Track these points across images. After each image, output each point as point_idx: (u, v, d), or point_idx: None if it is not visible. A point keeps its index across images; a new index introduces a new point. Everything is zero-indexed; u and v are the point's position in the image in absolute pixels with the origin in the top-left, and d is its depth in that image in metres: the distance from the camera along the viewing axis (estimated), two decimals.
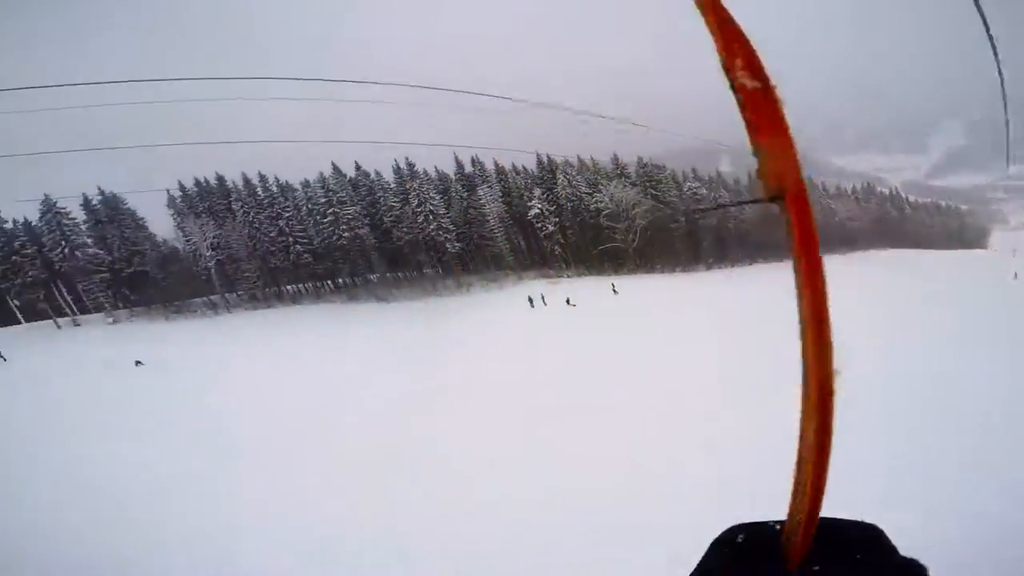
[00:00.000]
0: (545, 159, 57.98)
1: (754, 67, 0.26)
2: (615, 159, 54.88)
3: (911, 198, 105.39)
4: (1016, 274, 38.17)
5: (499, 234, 50.26)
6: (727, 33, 0.27)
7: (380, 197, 50.02)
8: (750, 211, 63.24)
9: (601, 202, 48.57)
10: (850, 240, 79.08)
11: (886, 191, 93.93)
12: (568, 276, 49.43)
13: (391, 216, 49.20)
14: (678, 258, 55.44)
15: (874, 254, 75.39)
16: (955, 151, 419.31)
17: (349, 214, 47.65)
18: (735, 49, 0.26)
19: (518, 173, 56.39)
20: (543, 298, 37.52)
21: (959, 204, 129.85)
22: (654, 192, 51.65)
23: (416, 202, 48.31)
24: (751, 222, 64.24)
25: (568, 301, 37.36)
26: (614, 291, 39.17)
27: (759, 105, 0.27)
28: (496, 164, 56.77)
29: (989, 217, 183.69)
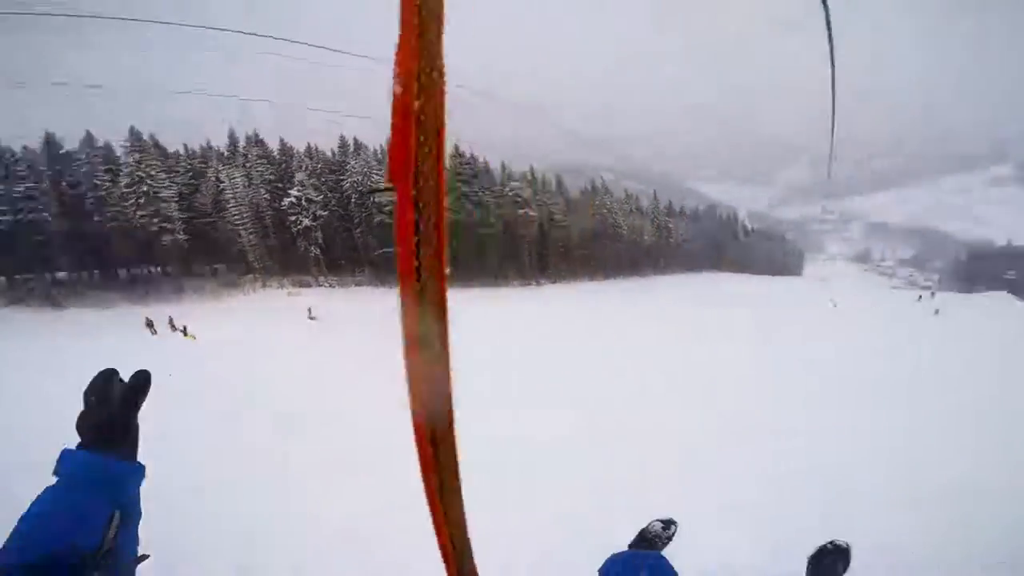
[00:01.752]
0: (351, 141, 48.06)
1: (407, 73, 0.25)
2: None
3: (747, 224, 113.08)
4: (835, 303, 40.54)
5: (247, 228, 39.22)
6: (408, 30, 0.24)
7: (81, 171, 36.25)
8: (581, 223, 59.44)
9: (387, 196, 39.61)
10: (684, 260, 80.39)
11: (725, 215, 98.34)
12: (328, 284, 40.26)
13: (94, 196, 35.66)
14: (485, 270, 48.87)
15: (703, 276, 76.86)
16: (793, 186, 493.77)
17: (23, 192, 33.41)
18: (407, 51, 0.24)
19: (311, 156, 45.64)
20: (171, 323, 27.41)
21: (785, 233, 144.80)
22: (465, 189, 44.17)
23: (129, 180, 35.34)
24: (583, 234, 60.41)
25: (185, 331, 26.31)
26: (310, 316, 29.83)
27: (397, 110, 0.26)
28: (282, 143, 45.37)
29: (807, 246, 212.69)
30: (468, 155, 47.73)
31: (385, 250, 39.34)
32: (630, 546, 2.10)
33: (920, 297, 52.46)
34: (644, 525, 2.18)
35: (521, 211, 50.50)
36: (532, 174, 58.12)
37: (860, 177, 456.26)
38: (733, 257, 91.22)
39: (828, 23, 3.01)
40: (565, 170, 68.12)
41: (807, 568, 2.09)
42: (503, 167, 56.17)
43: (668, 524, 2.16)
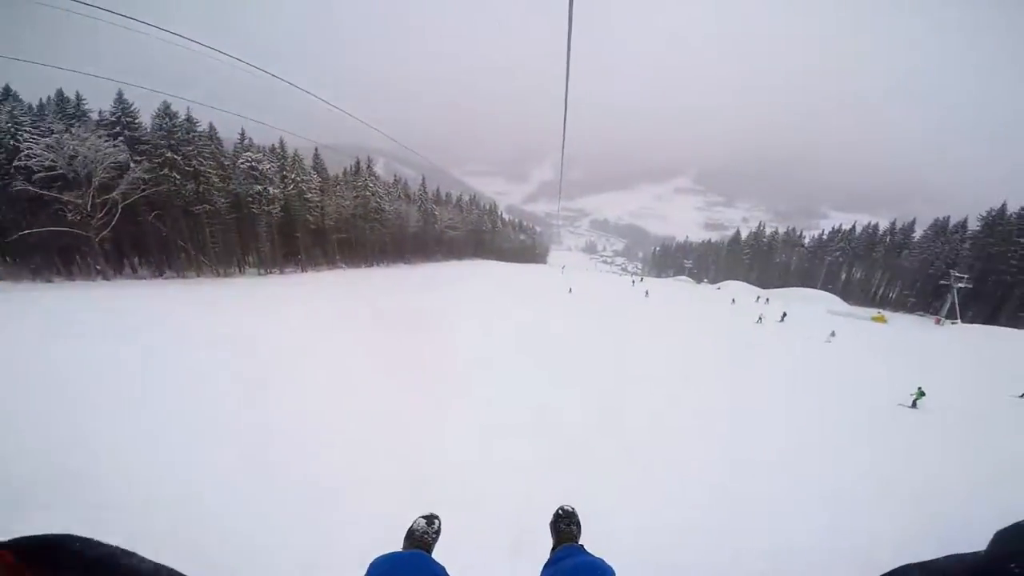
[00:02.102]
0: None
1: None
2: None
3: (504, 215, 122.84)
4: (572, 290, 46.53)
5: None
6: None
7: None
8: (339, 205, 53.98)
9: (40, 156, 27.13)
10: (446, 247, 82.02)
11: (486, 205, 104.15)
12: None
13: None
14: (206, 254, 39.90)
15: (466, 263, 79.80)
16: (543, 184, 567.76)
17: None
18: None
19: None
20: None
21: (535, 225, 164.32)
22: (172, 156, 34.04)
23: None
24: (341, 217, 54.95)
25: None
26: None
27: None
28: None
29: (550, 238, 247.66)
30: (184, 116, 37.15)
31: (32, 231, 27.26)
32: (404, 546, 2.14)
33: (633, 282, 65.87)
34: (411, 525, 2.24)
35: (259, 187, 42.27)
36: (281, 147, 49.73)
37: (589, 180, 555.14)
38: (492, 246, 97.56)
39: (569, 47, 3.84)
40: (333, 148, 60.57)
41: (551, 532, 2.25)
42: (242, 135, 46.34)
43: (431, 520, 2.23)
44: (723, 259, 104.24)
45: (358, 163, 60.89)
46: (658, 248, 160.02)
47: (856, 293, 69.12)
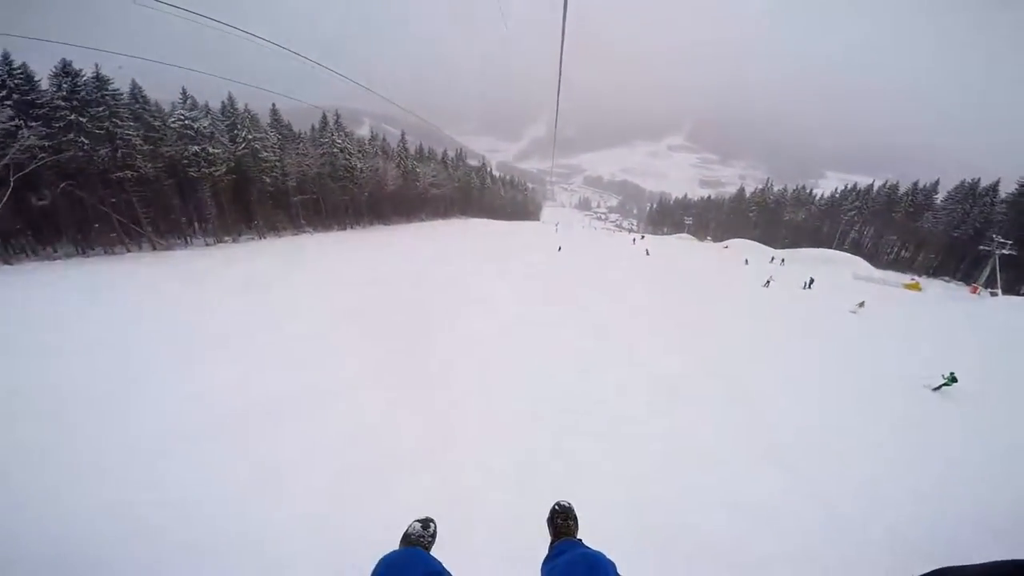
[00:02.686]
0: None
1: None
2: None
3: (494, 172, 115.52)
4: (560, 248, 42.36)
5: None
6: None
7: None
8: (302, 163, 47.58)
9: None
10: (431, 206, 75.68)
11: (475, 162, 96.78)
12: None
13: None
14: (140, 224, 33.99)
15: (452, 221, 73.93)
16: (536, 141, 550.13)
17: None
18: None
19: None
20: None
21: (527, 182, 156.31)
22: (77, 119, 27.66)
23: None
24: (304, 177, 48.60)
25: None
26: None
27: None
28: None
29: (544, 195, 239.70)
30: (92, 75, 30.23)
31: None
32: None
33: (634, 240, 61.49)
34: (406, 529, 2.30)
35: (195, 148, 35.91)
36: (231, 103, 42.97)
37: (581, 138, 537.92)
38: (481, 204, 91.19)
39: (564, 17, 4.03)
40: (318, 108, 53.75)
41: (548, 528, 2.29)
42: (183, 93, 39.28)
43: (427, 523, 2.32)
44: (725, 216, 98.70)
45: (324, 118, 53.71)
46: (655, 204, 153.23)
47: (873, 255, 64.32)
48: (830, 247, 68.35)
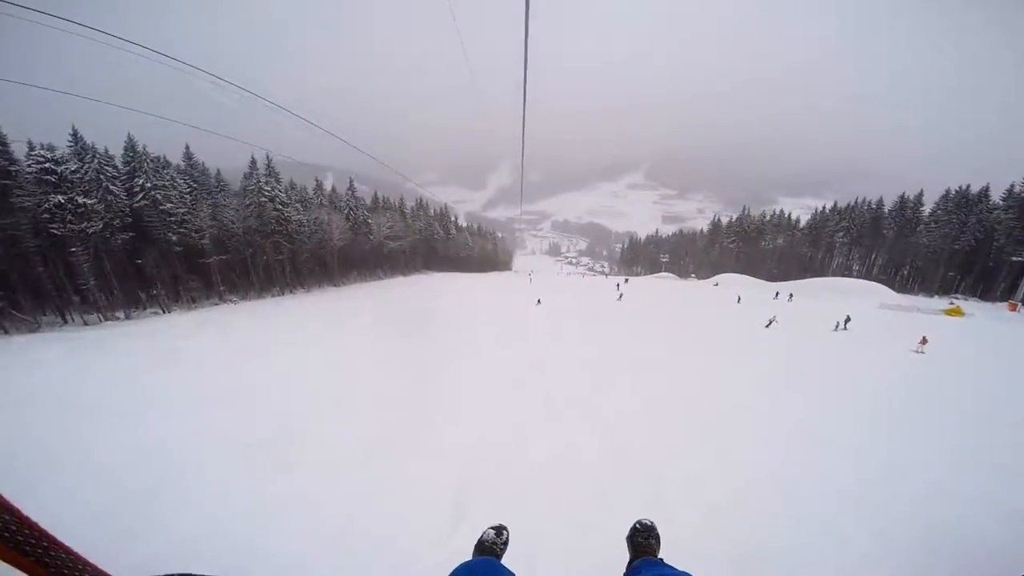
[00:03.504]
0: None
1: None
2: None
3: (459, 221, 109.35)
4: (540, 301, 36.07)
5: None
6: None
7: None
8: (217, 216, 39.40)
9: None
10: (389, 261, 67.44)
11: (436, 210, 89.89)
12: None
13: None
14: None
15: (412, 279, 65.69)
16: (502, 189, 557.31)
17: None
18: None
19: None
20: None
21: (496, 231, 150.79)
22: None
23: None
24: (217, 234, 40.24)
25: None
26: None
27: None
28: None
29: (513, 243, 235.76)
30: None
31: None
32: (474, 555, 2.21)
33: (618, 286, 53.50)
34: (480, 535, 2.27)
35: (60, 198, 27.44)
36: (130, 145, 35.08)
37: (546, 182, 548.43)
38: (446, 256, 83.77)
39: (526, 60, 3.94)
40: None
41: (628, 546, 2.19)
42: (73, 134, 31.28)
43: (500, 531, 2.31)
44: (701, 250, 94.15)
45: (253, 162, 46.06)
46: (624, 244, 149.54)
47: (876, 278, 59.27)
48: (825, 275, 63.23)
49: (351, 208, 58.70)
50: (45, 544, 0.59)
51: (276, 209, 44.22)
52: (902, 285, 57.48)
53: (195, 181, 41.46)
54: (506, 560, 2.13)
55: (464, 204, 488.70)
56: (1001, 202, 48.85)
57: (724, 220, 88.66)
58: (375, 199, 74.07)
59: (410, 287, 53.56)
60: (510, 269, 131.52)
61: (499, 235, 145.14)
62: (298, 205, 50.06)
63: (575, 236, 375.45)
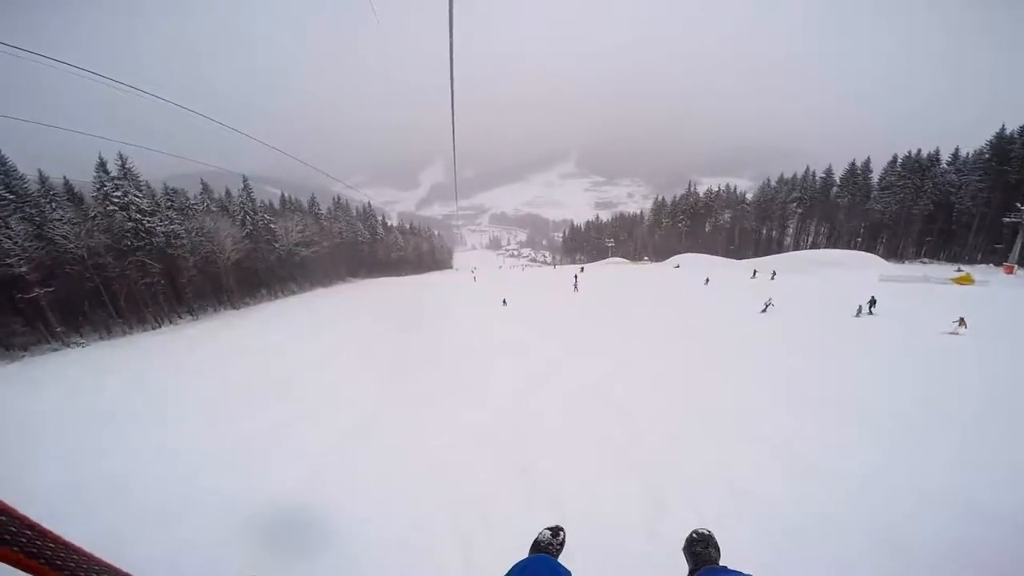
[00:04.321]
0: None
1: None
2: None
3: (387, 220, 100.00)
4: (505, 301, 32.08)
5: None
6: None
7: None
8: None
9: None
10: (303, 272, 57.83)
11: (358, 209, 79.89)
12: None
13: None
14: None
15: (334, 289, 56.68)
16: (436, 187, 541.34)
17: None
18: None
19: None
20: None
21: (433, 229, 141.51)
22: None
23: None
24: (46, 259, 30.23)
25: None
26: None
27: None
28: None
29: (453, 240, 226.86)
30: None
31: None
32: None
33: (575, 277, 48.81)
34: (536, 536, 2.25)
35: None
36: None
37: (481, 177, 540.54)
38: (375, 260, 74.80)
39: (451, 53, 3.59)
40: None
41: (685, 557, 2.12)
42: None
43: (556, 531, 2.27)
44: (646, 232, 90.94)
45: (101, 163, 35.56)
46: (565, 232, 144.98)
47: (836, 248, 57.36)
48: (782, 250, 60.95)
49: (247, 212, 48.84)
50: (53, 546, 0.58)
51: (132, 220, 34.25)
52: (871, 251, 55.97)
53: (11, 192, 30.95)
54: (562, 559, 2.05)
55: (397, 204, 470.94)
56: (947, 166, 47.78)
57: (668, 199, 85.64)
58: (283, 200, 63.94)
59: (329, 300, 44.83)
60: (451, 267, 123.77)
61: (436, 233, 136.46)
62: (172, 214, 40.06)
63: (514, 228, 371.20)
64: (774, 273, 36.49)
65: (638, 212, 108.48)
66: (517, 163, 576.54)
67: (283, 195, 63.75)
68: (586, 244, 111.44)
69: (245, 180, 51.77)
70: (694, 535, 2.13)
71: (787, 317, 20.64)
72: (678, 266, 52.79)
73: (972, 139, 47.36)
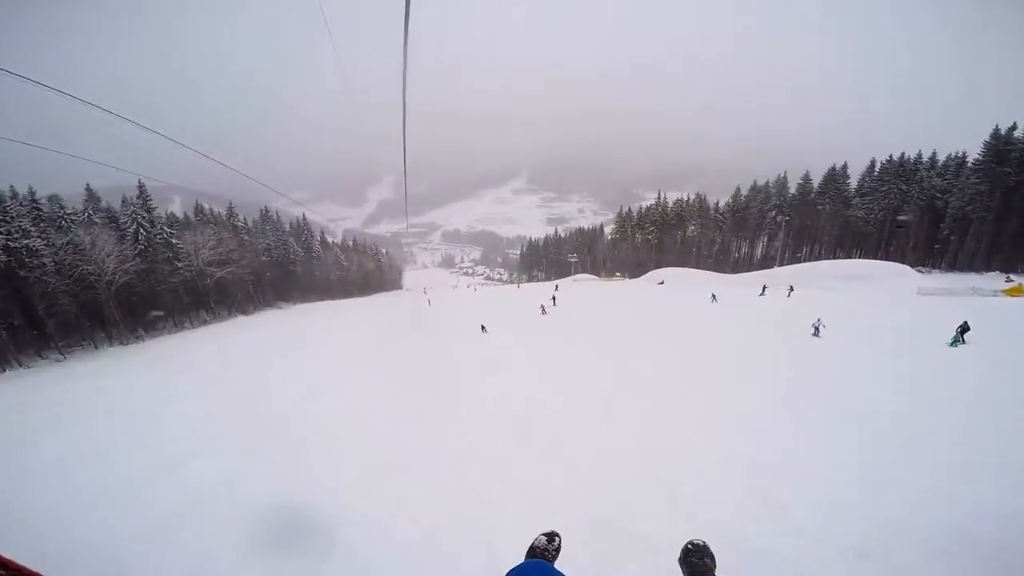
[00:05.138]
0: None
1: None
2: None
3: (328, 237, 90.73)
4: (484, 328, 27.11)
5: None
6: None
7: None
8: None
9: None
10: (222, 295, 48.21)
11: (290, 224, 70.19)
12: None
13: None
14: None
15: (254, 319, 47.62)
16: (384, 203, 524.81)
17: None
18: None
19: None
20: None
21: (380, 247, 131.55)
22: None
23: None
24: None
25: None
26: None
27: None
28: None
29: (403, 259, 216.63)
30: None
31: None
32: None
33: (553, 297, 43.33)
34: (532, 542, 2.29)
35: None
36: None
37: (432, 194, 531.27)
38: (308, 282, 65.60)
39: (405, 65, 3.88)
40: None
41: (681, 568, 2.15)
42: None
43: (552, 537, 2.29)
44: (609, 246, 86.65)
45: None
46: (523, 248, 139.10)
47: (823, 257, 54.32)
48: (767, 263, 57.47)
49: (139, 224, 39.36)
50: None
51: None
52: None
53: None
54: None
55: (343, 222, 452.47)
56: (925, 171, 45.73)
57: (625, 212, 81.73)
58: (198, 210, 54.12)
59: (248, 334, 36.07)
60: (400, 287, 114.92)
61: (384, 251, 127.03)
62: (25, 224, 30.62)
63: (468, 245, 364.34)
64: (791, 289, 31.45)
65: (593, 226, 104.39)
66: (469, 179, 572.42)
67: (197, 204, 54.01)
68: (545, 260, 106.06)
69: (141, 185, 42.21)
70: (689, 546, 2.12)
71: (848, 343, 15.45)
72: (662, 282, 47.58)
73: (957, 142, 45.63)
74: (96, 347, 35.26)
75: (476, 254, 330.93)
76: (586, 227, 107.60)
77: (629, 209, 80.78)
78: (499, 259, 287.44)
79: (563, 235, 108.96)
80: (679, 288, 42.07)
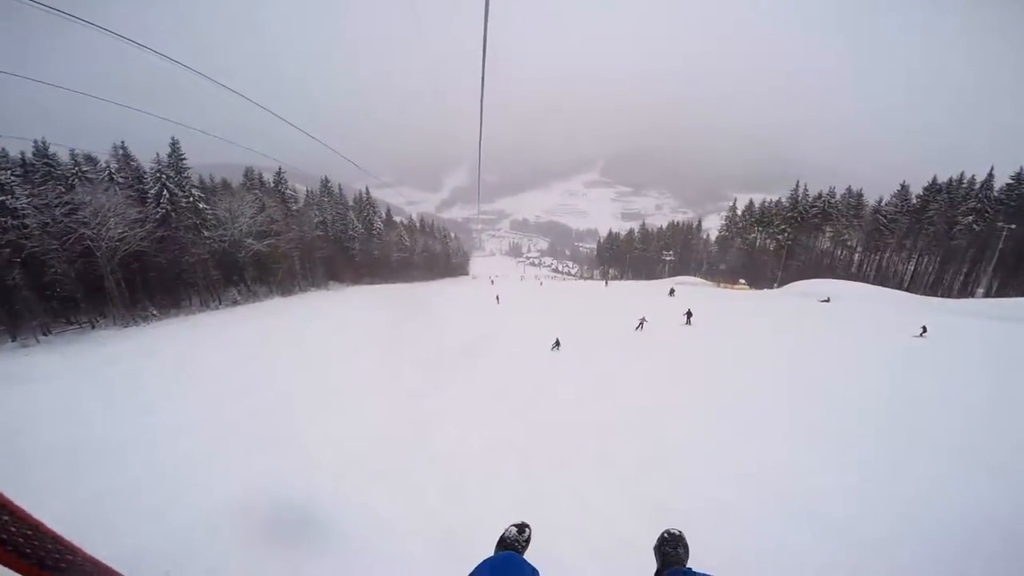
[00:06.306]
0: None
1: None
2: None
3: (395, 217, 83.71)
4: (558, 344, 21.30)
5: None
6: None
7: None
8: None
9: None
10: (259, 273, 40.81)
11: (352, 198, 62.98)
12: None
13: None
14: None
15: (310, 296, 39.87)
16: (457, 190, 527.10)
17: None
18: None
19: None
20: None
21: (449, 231, 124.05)
22: None
23: None
24: None
25: None
26: None
27: None
28: None
29: (471, 244, 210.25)
30: None
31: None
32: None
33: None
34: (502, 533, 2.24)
35: None
36: None
37: (503, 183, 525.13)
38: (366, 262, 57.86)
39: (484, 58, 3.97)
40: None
41: (655, 556, 2.11)
42: None
43: (522, 528, 2.25)
44: (715, 246, 72.35)
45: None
46: (600, 240, 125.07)
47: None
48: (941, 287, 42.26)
49: (164, 184, 32.24)
50: (49, 547, 0.55)
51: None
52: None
53: None
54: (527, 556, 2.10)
55: (419, 205, 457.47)
56: None
57: (741, 205, 67.21)
58: (247, 174, 47.44)
59: (276, 319, 27.89)
60: (467, 274, 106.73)
61: (452, 235, 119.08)
62: (7, 176, 23.91)
63: (535, 235, 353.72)
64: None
65: (689, 220, 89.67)
66: (541, 169, 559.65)
67: (247, 169, 47.41)
68: (628, 256, 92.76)
69: (174, 142, 35.30)
70: (665, 535, 2.09)
71: None
72: (828, 300, 34.21)
73: None
74: (93, 327, 28.51)
75: (543, 244, 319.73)
76: (687, 220, 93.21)
77: (750, 201, 65.69)
78: (567, 251, 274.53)
79: (650, 229, 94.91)
80: (853, 306, 29.13)
